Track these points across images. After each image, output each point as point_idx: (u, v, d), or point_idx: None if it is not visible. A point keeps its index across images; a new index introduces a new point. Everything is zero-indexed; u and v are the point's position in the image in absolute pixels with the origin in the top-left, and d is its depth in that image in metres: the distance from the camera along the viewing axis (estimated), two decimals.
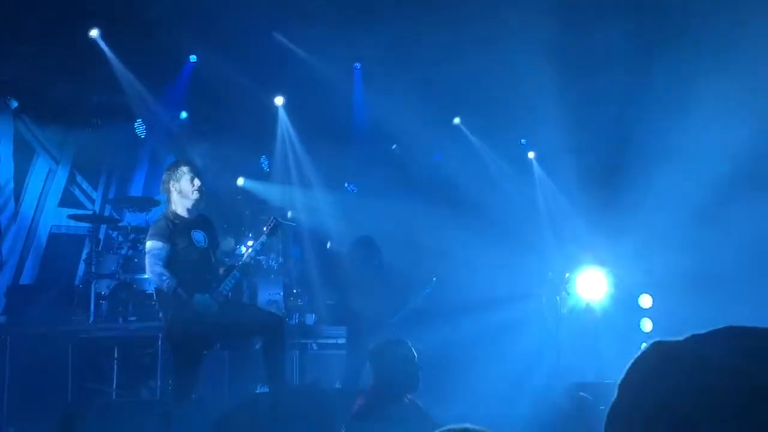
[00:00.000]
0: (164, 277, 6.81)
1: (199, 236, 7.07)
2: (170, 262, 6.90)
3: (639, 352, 1.29)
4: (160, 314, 7.03)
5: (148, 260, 6.96)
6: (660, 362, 1.24)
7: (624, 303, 11.37)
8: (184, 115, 11.89)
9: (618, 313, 11.26)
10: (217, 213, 7.75)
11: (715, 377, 1.17)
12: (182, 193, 7.05)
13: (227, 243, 9.92)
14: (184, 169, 7.11)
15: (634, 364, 1.27)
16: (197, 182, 7.07)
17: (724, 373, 1.17)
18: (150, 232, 7.10)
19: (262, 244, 7.44)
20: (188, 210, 7.10)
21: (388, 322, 9.19)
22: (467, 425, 1.91)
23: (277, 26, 10.67)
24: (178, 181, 7.07)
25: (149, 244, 6.98)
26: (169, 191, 7.11)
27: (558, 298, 9.69)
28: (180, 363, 7.07)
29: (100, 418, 6.45)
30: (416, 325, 10.17)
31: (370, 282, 9.21)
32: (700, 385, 1.17)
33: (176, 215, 7.06)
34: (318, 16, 10.13)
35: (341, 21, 10.12)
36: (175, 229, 6.97)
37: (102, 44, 10.33)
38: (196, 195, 7.07)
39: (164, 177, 7.21)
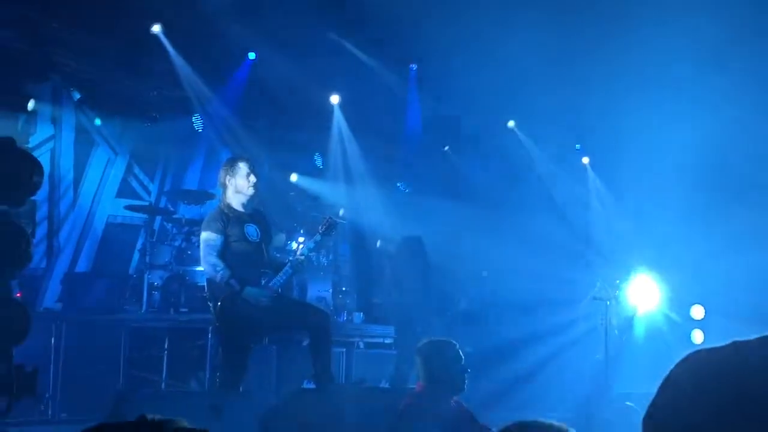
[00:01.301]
0: (218, 268, 6.92)
1: (251, 230, 7.16)
2: (223, 253, 7.01)
3: (680, 360, 1.29)
4: (210, 305, 7.13)
5: (202, 250, 7.09)
6: (697, 369, 1.24)
7: (676, 313, 11.23)
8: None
9: (669, 323, 11.13)
10: (269, 208, 7.84)
11: (757, 387, 1.17)
12: (238, 188, 7.18)
13: (279, 238, 10.00)
14: (241, 164, 7.24)
15: (673, 369, 1.27)
16: (252, 179, 7.19)
17: (761, 382, 1.16)
18: (204, 222, 7.23)
19: (316, 242, 7.51)
20: (243, 204, 7.21)
21: (435, 322, 9.18)
22: (543, 419, 1.90)
23: (334, 26, 10.72)
24: (234, 176, 7.19)
25: (204, 234, 7.10)
26: (225, 185, 7.24)
27: (607, 305, 9.59)
28: (228, 354, 7.16)
29: (149, 406, 6.56)
30: (464, 327, 10.17)
31: (417, 281, 9.21)
32: (740, 394, 1.17)
33: (231, 208, 7.18)
34: (375, 18, 10.16)
35: (398, 22, 10.14)
36: (228, 222, 7.08)
37: (163, 39, 10.48)
38: (251, 191, 7.19)
39: (221, 171, 7.33)
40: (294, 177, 12.45)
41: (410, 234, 9.79)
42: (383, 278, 10.31)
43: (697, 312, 11.29)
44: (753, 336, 1.25)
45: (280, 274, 7.12)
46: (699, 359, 1.26)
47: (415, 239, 9.57)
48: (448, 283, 10.44)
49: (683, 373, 1.26)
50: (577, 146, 13.79)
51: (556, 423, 1.84)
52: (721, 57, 9.94)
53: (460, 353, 5.98)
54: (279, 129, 12.37)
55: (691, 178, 11.04)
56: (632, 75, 10.06)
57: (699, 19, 9.27)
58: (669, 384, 1.26)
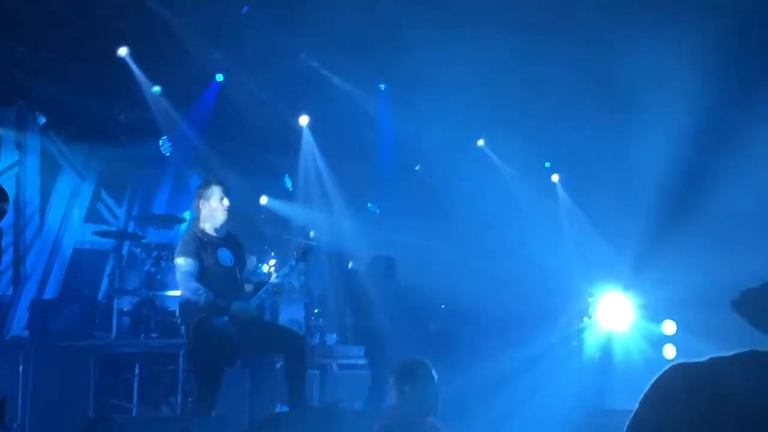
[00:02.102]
0: (200, 291, 6.86)
1: (225, 255, 7.13)
2: (200, 277, 6.95)
3: (661, 372, 1.29)
4: (183, 330, 7.06)
5: (180, 277, 7.03)
6: (681, 383, 1.24)
7: (647, 328, 11.29)
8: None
9: (641, 339, 11.19)
10: (239, 231, 7.79)
11: (731, 398, 1.17)
12: (211, 211, 7.13)
13: (249, 261, 9.94)
14: (215, 188, 7.21)
15: (655, 383, 1.28)
16: (226, 202, 7.17)
17: (745, 397, 1.17)
18: (178, 248, 7.17)
19: (291, 267, 7.47)
20: (216, 229, 7.17)
21: (408, 342, 9.15)
22: None
23: (304, 47, 10.72)
24: (207, 200, 7.16)
25: (180, 260, 7.03)
26: (198, 209, 7.19)
27: (580, 322, 9.62)
28: (201, 379, 7.08)
29: None
30: (437, 346, 10.15)
31: (387, 301, 9.19)
32: (716, 404, 1.17)
33: (204, 233, 7.14)
34: (344, 38, 10.17)
35: (367, 43, 10.16)
36: (201, 246, 7.03)
37: (130, 62, 10.42)
38: (224, 215, 7.15)
39: (196, 194, 7.29)
40: (264, 199, 12.40)
41: (380, 254, 9.78)
42: (355, 299, 10.28)
43: (669, 327, 11.35)
44: (726, 351, 1.27)
45: (260, 292, 7.08)
46: (677, 373, 1.27)
47: (385, 259, 9.57)
48: (420, 303, 10.42)
49: (663, 386, 1.27)
50: (547, 164, 13.88)
51: None
52: (686, 77, 10.06)
53: (434, 373, 5.97)
54: (248, 151, 12.32)
55: (661, 194, 11.13)
56: (601, 93, 10.14)
57: (666, 39, 9.38)
58: (649, 397, 1.27)
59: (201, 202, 7.20)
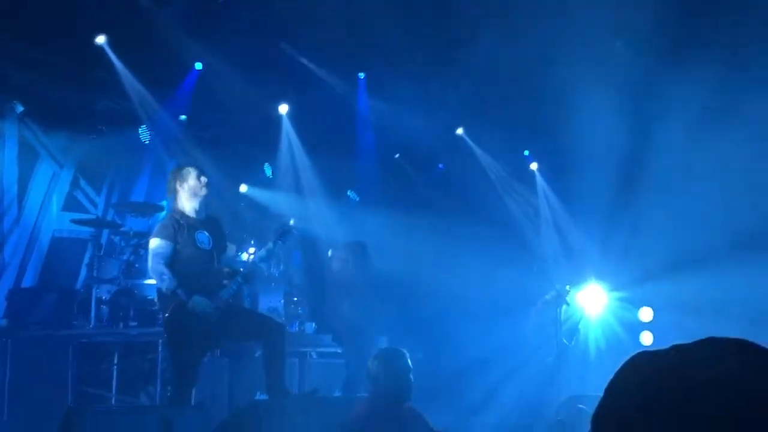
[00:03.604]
0: (165, 276, 6.84)
1: (203, 237, 7.08)
2: (172, 261, 6.92)
3: (625, 361, 1.33)
4: (161, 315, 7.06)
5: (150, 258, 7.01)
6: (641, 370, 1.28)
7: (624, 316, 11.40)
8: (183, 117, 11.86)
9: (618, 326, 11.29)
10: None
11: (697, 387, 1.21)
12: (191, 190, 7.08)
13: (230, 248, 9.95)
14: (189, 168, 7.19)
15: (618, 371, 1.32)
16: (204, 179, 7.14)
17: (701, 382, 1.21)
18: (155, 230, 7.15)
19: (269, 250, 7.47)
20: (196, 210, 7.13)
21: (384, 329, 9.19)
22: None
23: (283, 35, 10.70)
24: (185, 180, 7.12)
25: (152, 242, 7.02)
26: (176, 191, 7.16)
27: (558, 310, 9.69)
28: (177, 367, 7.09)
29: (99, 423, 6.48)
30: (416, 334, 10.20)
31: (359, 286, 9.20)
32: (684, 395, 1.21)
33: (183, 214, 7.09)
34: (323, 26, 10.16)
35: (347, 31, 10.16)
36: (179, 228, 7.00)
37: (108, 50, 10.37)
38: (204, 191, 7.13)
39: (169, 178, 7.27)
40: (243, 188, 12.39)
41: (355, 239, 9.79)
42: (331, 287, 10.30)
43: (646, 314, 11.46)
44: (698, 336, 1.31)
45: (231, 283, 7.07)
46: (642, 361, 1.31)
47: (360, 244, 9.57)
48: (398, 291, 10.47)
49: (628, 374, 1.31)
50: (526, 152, 13.92)
51: None
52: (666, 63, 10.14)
53: (409, 362, 6.05)
54: (227, 139, 12.30)
55: (639, 183, 11.22)
56: (583, 80, 10.18)
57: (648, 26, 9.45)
58: (614, 386, 1.31)
59: (178, 183, 7.15)
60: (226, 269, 7.37)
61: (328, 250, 11.47)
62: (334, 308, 9.53)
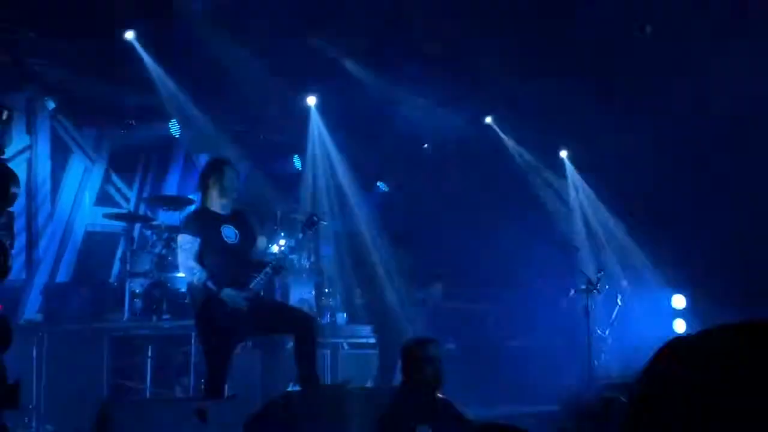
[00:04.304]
0: (195, 271, 6.89)
1: (229, 232, 7.11)
2: (200, 256, 6.97)
3: (661, 347, 1.31)
4: (191, 306, 7.11)
5: (179, 254, 7.09)
6: (674, 355, 1.26)
7: (657, 303, 11.31)
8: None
9: (651, 313, 11.21)
10: (248, 212, 7.81)
11: (721, 370, 1.19)
12: (222, 191, 7.13)
13: (260, 241, 9.98)
14: (226, 168, 7.21)
15: (654, 356, 1.30)
16: (236, 183, 7.18)
17: (732, 366, 1.19)
18: (181, 225, 7.24)
19: (297, 241, 7.50)
20: (223, 206, 7.17)
21: (416, 319, 9.19)
22: (507, 424, 1.93)
23: (312, 27, 10.70)
24: (219, 179, 7.15)
25: (180, 237, 7.10)
26: (207, 187, 7.19)
27: (590, 297, 9.64)
28: (209, 357, 7.13)
29: (134, 415, 6.53)
30: (448, 322, 10.20)
31: (401, 278, 9.19)
32: (708, 377, 1.19)
33: (209, 210, 7.15)
34: (352, 18, 10.16)
35: (371, 24, 10.16)
36: (205, 223, 7.05)
37: (137, 45, 10.43)
38: (234, 195, 7.17)
39: (204, 172, 7.30)
40: (273, 180, 12.42)
41: (396, 231, 9.76)
42: (365, 278, 10.32)
43: (679, 301, 11.37)
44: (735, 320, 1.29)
45: (260, 275, 7.09)
46: (679, 346, 1.29)
47: (399, 236, 9.53)
48: (429, 279, 10.48)
49: (664, 361, 1.29)
50: (556, 140, 13.83)
51: (522, 429, 1.88)
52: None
53: (440, 351, 6.05)
54: (257, 132, 12.34)
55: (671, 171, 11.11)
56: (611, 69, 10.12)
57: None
58: (650, 372, 1.29)
59: (211, 179, 7.20)
60: (255, 261, 7.40)
61: (357, 241, 11.50)
62: (370, 300, 9.55)
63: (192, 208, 10.37)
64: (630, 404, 1.30)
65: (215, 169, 7.26)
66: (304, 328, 7.28)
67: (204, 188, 7.26)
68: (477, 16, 9.92)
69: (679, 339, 1.32)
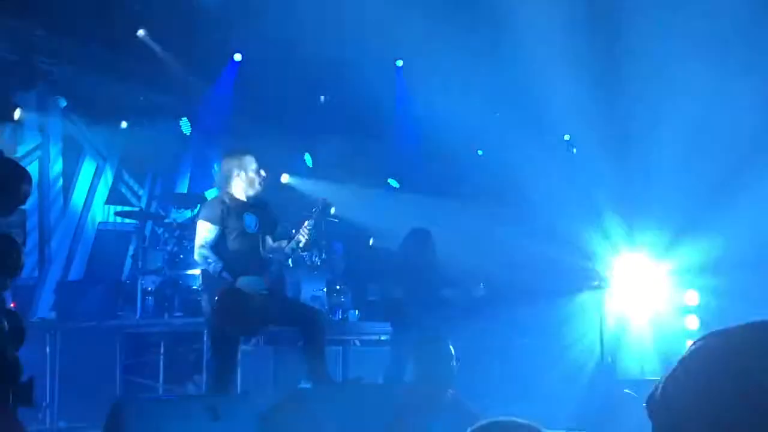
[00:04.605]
0: (210, 260, 6.85)
1: (250, 220, 7.04)
2: (218, 244, 6.94)
3: (697, 339, 1.26)
4: (205, 296, 7.06)
5: (197, 240, 7.00)
6: (716, 352, 1.21)
7: (669, 299, 11.24)
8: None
9: (663, 310, 11.14)
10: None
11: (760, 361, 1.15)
12: (248, 181, 7.07)
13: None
14: (251, 158, 7.14)
15: (688, 352, 1.25)
16: (263, 173, 7.11)
17: None
18: (202, 212, 7.15)
19: (311, 225, 7.34)
20: (247, 195, 7.14)
21: (430, 317, 9.14)
22: (514, 418, 1.92)
23: (321, 25, 10.69)
24: (245, 169, 7.07)
25: (200, 224, 7.03)
26: (231, 175, 7.12)
27: (601, 292, 9.60)
28: (216, 351, 7.11)
29: (147, 412, 6.55)
30: (461, 320, 10.16)
31: (423, 274, 9.10)
32: (760, 375, 1.15)
33: (233, 197, 7.09)
34: (359, 14, 10.14)
35: (383, 19, 10.13)
36: (228, 212, 7.00)
37: (149, 43, 10.45)
38: (260, 186, 7.11)
39: (228, 160, 7.22)
40: (285, 178, 12.43)
41: (418, 227, 9.69)
42: (380, 275, 10.28)
43: (692, 297, 11.29)
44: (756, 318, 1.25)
45: (278, 255, 7.06)
46: (714, 342, 1.24)
47: (423, 232, 9.45)
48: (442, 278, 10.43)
49: (697, 356, 1.24)
50: (566, 137, 13.75)
51: (527, 423, 1.86)
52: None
53: (451, 349, 6.05)
54: (267, 129, 12.34)
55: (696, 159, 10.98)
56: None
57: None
58: (682, 368, 1.24)
59: (236, 170, 7.09)
60: (275, 244, 7.32)
61: (369, 239, 11.48)
62: (387, 297, 9.51)
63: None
64: (659, 396, 1.25)
65: (241, 158, 7.17)
66: (311, 324, 7.26)
67: (228, 177, 7.17)
68: None
69: (715, 333, 1.28)
